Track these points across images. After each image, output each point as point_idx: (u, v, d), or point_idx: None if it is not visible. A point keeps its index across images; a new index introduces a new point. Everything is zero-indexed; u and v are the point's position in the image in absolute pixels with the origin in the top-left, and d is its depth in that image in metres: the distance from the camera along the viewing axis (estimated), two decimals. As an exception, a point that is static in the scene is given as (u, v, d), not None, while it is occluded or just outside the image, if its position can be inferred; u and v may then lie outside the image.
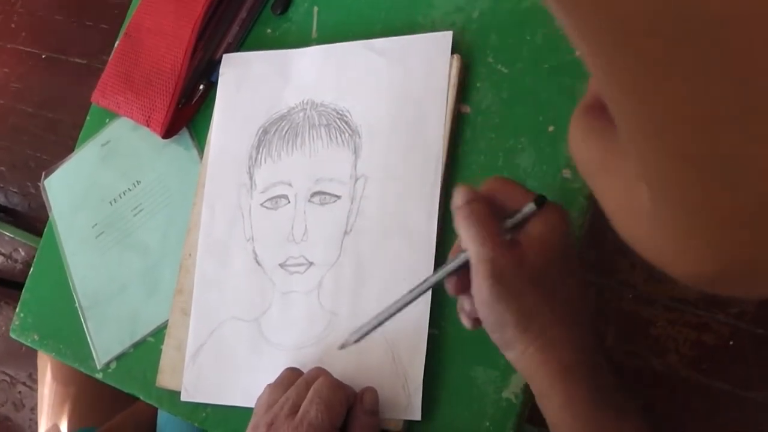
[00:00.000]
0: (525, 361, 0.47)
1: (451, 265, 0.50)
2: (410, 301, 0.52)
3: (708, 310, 1.32)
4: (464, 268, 0.49)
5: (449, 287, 0.51)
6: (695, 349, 1.33)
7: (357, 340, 0.53)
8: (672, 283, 1.34)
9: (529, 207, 0.47)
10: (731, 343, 1.31)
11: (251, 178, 0.68)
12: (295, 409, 0.54)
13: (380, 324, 0.52)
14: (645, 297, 1.36)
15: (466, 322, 0.52)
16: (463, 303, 0.52)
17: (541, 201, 0.47)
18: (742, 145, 0.19)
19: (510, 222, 0.48)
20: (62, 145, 2.08)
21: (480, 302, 0.46)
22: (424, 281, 0.51)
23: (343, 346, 0.54)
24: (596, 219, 0.54)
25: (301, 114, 0.67)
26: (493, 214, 0.47)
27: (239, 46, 0.74)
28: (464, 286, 0.50)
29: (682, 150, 0.21)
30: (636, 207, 0.26)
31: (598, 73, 0.21)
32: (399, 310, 0.52)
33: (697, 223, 0.24)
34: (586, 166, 0.31)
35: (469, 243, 0.47)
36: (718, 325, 1.32)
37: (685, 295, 1.34)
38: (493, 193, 0.49)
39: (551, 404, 0.46)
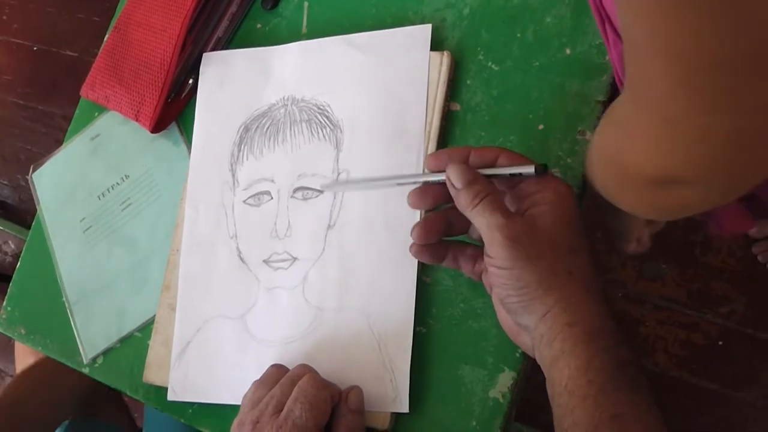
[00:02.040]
0: (549, 321, 0.47)
1: (432, 177, 0.53)
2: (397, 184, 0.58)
3: (697, 310, 1.33)
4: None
5: (412, 199, 0.54)
6: (684, 349, 1.33)
7: (337, 185, 0.59)
8: (662, 283, 1.35)
9: (528, 168, 0.49)
10: (720, 343, 1.31)
11: (233, 175, 0.68)
12: (279, 408, 0.54)
13: (364, 184, 0.58)
14: (634, 296, 1.36)
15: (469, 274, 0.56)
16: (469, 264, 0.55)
17: (542, 169, 0.49)
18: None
19: (508, 171, 0.50)
20: (53, 138, 2.07)
21: (499, 267, 0.47)
22: (414, 175, 0.57)
23: (325, 186, 0.60)
24: (586, 217, 0.54)
25: (282, 110, 0.67)
26: (495, 188, 0.50)
27: (229, 41, 0.74)
28: (435, 229, 0.54)
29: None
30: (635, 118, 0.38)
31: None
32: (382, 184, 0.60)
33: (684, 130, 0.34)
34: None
35: (479, 218, 0.48)
36: (708, 324, 1.32)
37: (674, 295, 1.34)
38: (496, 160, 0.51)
39: (568, 366, 0.45)
